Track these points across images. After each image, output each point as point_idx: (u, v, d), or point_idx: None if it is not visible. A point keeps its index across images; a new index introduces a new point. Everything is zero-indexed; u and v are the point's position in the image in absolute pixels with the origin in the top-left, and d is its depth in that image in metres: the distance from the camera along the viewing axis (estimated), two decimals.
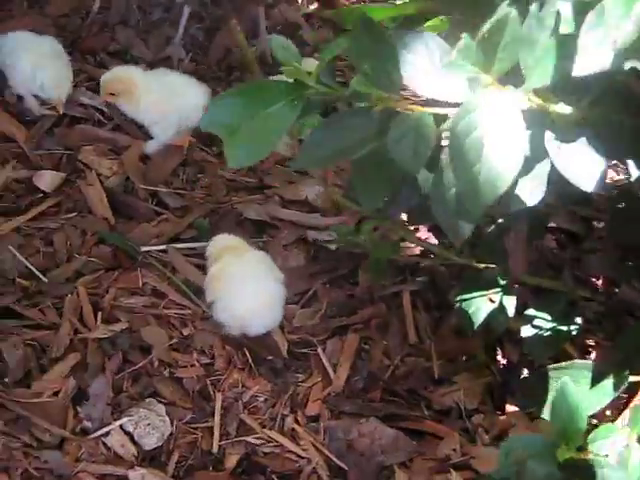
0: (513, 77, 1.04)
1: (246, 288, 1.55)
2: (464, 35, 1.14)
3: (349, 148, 1.18)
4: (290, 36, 1.30)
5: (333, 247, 1.76)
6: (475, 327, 1.46)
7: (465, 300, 1.50)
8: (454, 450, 1.44)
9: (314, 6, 2.82)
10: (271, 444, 1.44)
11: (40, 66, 2.01)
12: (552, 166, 1.04)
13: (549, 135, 1.05)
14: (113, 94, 1.93)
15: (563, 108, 1.01)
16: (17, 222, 1.76)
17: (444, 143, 1.11)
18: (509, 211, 1.19)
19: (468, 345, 1.60)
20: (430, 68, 1.14)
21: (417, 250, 1.78)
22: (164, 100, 1.97)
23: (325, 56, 1.21)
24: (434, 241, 1.71)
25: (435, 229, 1.74)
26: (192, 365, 1.53)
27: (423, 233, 1.77)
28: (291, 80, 1.20)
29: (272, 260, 1.63)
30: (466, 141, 1.02)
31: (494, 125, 1.01)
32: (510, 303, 1.45)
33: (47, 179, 1.86)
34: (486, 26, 1.06)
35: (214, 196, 1.92)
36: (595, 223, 1.88)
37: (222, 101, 1.21)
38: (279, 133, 1.19)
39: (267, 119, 1.19)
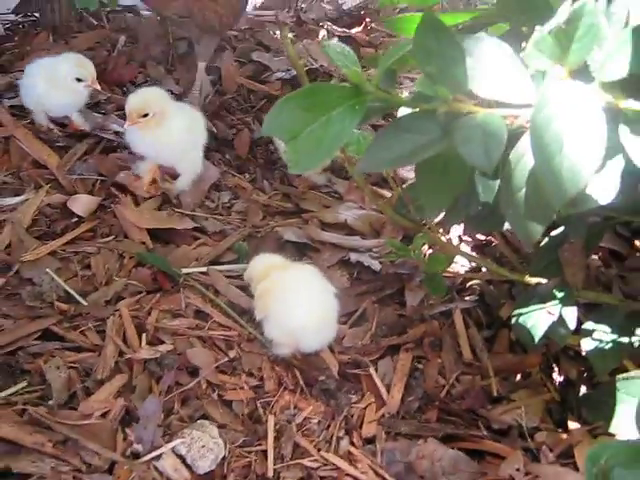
0: (579, 73, 1.03)
1: (299, 302, 1.50)
2: (537, 28, 1.13)
3: (414, 151, 1.15)
4: None
5: (377, 268, 1.73)
6: (536, 341, 1.41)
7: (522, 315, 1.46)
8: (517, 470, 1.37)
9: (334, 41, 2.84)
10: (328, 467, 1.37)
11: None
12: None
13: (624, 130, 1.02)
14: (146, 114, 1.84)
15: (636, 103, 0.99)
16: (53, 246, 1.73)
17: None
18: (579, 211, 1.16)
19: (524, 362, 1.56)
20: (495, 70, 1.13)
21: (462, 270, 1.76)
22: (194, 129, 1.95)
23: (385, 62, 1.19)
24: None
25: (483, 246, 1.72)
26: (241, 387, 1.48)
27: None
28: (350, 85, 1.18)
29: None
30: (546, 134, 1.00)
31: (572, 117, 0.99)
32: (570, 315, 1.41)
33: (82, 204, 1.83)
34: (562, 16, 1.05)
35: (250, 220, 1.89)
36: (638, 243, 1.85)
37: (283, 105, 1.18)
38: (340, 138, 1.16)
39: (328, 124, 1.17)
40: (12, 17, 2.83)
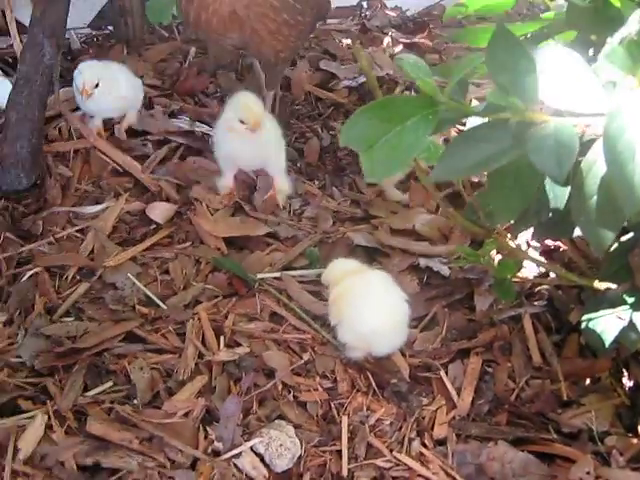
0: None
1: (371, 307, 1.54)
2: (608, 40, 1.16)
3: (486, 160, 1.18)
4: None
5: (447, 273, 1.76)
6: (607, 346, 1.42)
7: (592, 320, 1.48)
8: (588, 473, 1.39)
9: (399, 48, 2.89)
10: (400, 467, 1.41)
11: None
12: None
13: None
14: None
15: None
16: (133, 252, 1.81)
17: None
18: None
19: (593, 367, 1.57)
20: (566, 79, 1.15)
21: (530, 275, 1.77)
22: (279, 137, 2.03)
23: (457, 73, 1.22)
24: None
25: (552, 251, 1.73)
26: (315, 389, 1.53)
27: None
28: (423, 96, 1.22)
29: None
30: (619, 143, 1.03)
31: None
32: None
33: (160, 211, 1.91)
34: (633, 26, 1.07)
35: (321, 226, 1.94)
36: None
37: (359, 117, 1.23)
38: (415, 147, 1.20)
39: (403, 134, 1.21)
40: (87, 31, 2.95)
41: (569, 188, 1.27)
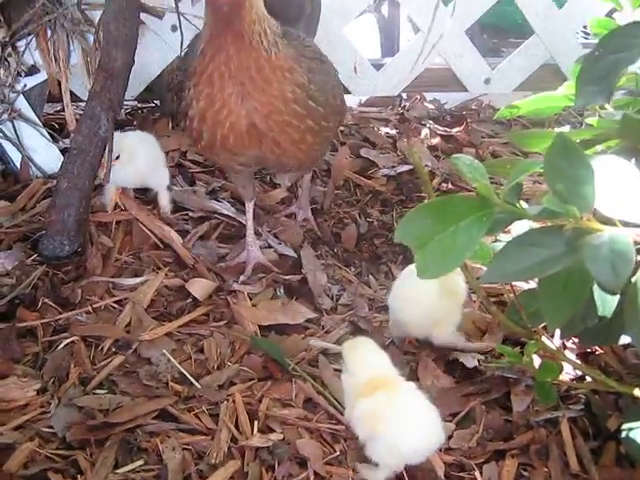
0: None
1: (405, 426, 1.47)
2: None
3: (539, 265, 1.18)
4: None
5: (483, 370, 1.75)
6: None
7: (632, 429, 1.46)
8: None
9: (436, 140, 2.94)
10: None
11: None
12: None
13: None
14: None
15: None
16: (169, 327, 1.81)
17: None
18: None
19: (632, 477, 1.53)
20: (623, 190, 1.17)
21: (566, 378, 1.76)
22: None
23: (514, 177, 1.24)
24: None
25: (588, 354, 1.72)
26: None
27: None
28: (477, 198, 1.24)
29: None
30: None
31: None
32: None
33: (200, 287, 1.92)
34: None
35: (357, 313, 1.94)
36: None
37: (414, 215, 1.24)
38: (468, 247, 1.22)
39: (456, 234, 1.22)
40: (133, 103, 3.03)
41: (618, 296, 1.27)
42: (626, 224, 1.13)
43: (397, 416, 1.47)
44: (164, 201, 2.23)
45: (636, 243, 1.16)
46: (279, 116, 1.77)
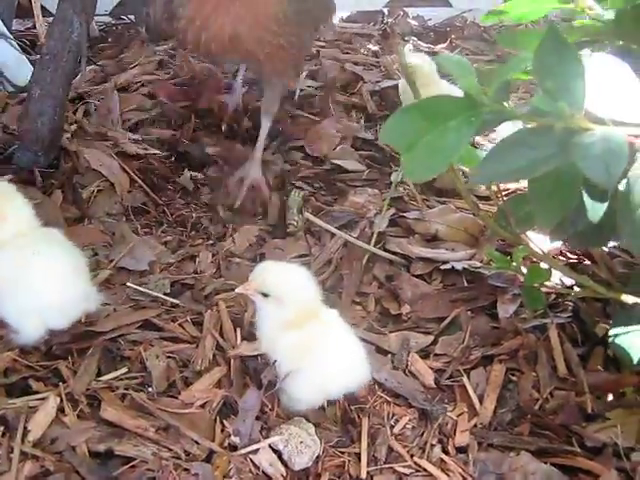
0: None
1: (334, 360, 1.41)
2: None
3: (529, 165, 1.15)
4: None
5: (470, 277, 1.73)
6: (635, 361, 1.39)
7: (620, 335, 1.45)
8: None
9: None
10: (420, 473, 1.37)
11: None
12: None
13: None
14: None
15: None
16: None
17: None
18: None
19: (620, 381, 1.53)
20: (614, 89, 1.13)
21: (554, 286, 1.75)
22: None
23: (502, 74, 1.19)
24: None
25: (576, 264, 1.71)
26: None
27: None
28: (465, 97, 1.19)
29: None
30: None
31: None
32: None
33: None
34: None
35: None
36: None
37: (400, 116, 1.20)
38: (457, 148, 1.17)
39: (444, 134, 1.18)
40: (106, 19, 2.92)
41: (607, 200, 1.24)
42: (618, 124, 1.09)
43: (326, 349, 1.41)
44: None
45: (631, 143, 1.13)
46: (262, 30, 1.82)
